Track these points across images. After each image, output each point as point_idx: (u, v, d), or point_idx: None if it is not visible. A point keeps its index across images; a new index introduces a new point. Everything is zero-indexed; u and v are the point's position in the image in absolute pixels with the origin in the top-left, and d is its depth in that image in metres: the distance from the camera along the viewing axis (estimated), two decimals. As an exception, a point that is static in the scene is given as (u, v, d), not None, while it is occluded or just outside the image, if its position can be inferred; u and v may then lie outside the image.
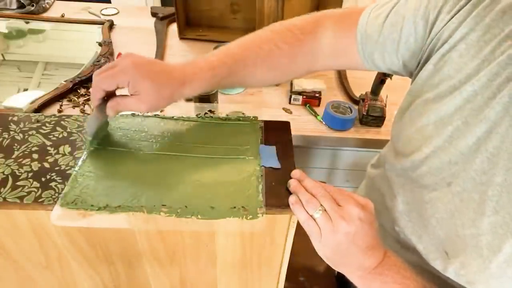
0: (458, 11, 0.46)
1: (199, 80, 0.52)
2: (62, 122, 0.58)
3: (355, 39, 0.56)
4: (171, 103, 0.51)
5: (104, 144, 0.54)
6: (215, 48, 1.02)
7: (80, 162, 0.50)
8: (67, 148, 0.53)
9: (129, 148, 0.54)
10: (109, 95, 0.51)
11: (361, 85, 1.03)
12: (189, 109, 0.64)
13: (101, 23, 1.31)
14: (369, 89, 0.94)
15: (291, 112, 0.97)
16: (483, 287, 0.45)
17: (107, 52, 1.12)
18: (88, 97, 0.96)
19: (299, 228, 0.46)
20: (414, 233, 0.53)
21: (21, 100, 0.91)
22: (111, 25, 1.32)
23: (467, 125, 0.44)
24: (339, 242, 0.43)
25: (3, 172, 0.48)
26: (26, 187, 0.46)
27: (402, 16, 0.52)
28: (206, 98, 0.84)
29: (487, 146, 0.43)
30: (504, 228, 0.41)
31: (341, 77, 1.11)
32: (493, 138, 0.42)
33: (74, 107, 0.93)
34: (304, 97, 0.99)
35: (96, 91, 0.49)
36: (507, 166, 0.41)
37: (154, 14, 1.41)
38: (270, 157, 0.53)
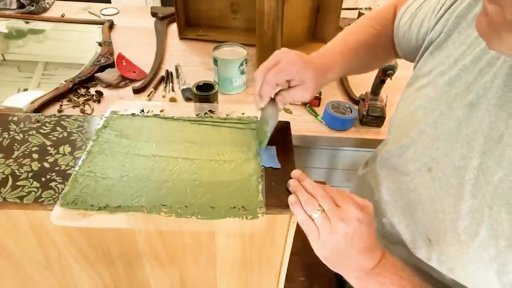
0: (454, 1, 0.49)
1: (337, 67, 0.59)
2: (62, 122, 0.58)
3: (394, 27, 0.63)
4: (319, 90, 0.56)
5: (105, 144, 0.54)
6: (215, 48, 1.02)
7: (80, 162, 0.50)
8: (67, 148, 0.53)
9: (129, 148, 0.54)
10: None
11: (361, 85, 1.03)
12: (189, 109, 0.64)
13: (101, 23, 1.31)
14: (369, 89, 0.94)
15: (291, 112, 0.97)
16: (461, 273, 0.45)
17: (107, 52, 1.12)
18: (88, 97, 0.96)
19: (299, 228, 0.46)
20: (401, 222, 0.53)
21: (21, 100, 0.91)
22: (111, 25, 1.32)
23: (451, 109, 0.46)
24: (337, 242, 0.43)
25: (3, 172, 0.48)
26: (26, 187, 0.46)
27: (424, 11, 0.56)
28: (206, 98, 0.84)
29: (467, 131, 0.44)
30: (480, 212, 0.42)
31: (341, 77, 1.11)
32: (472, 122, 0.43)
33: (74, 107, 0.93)
34: (304, 97, 0.99)
35: (270, 88, 0.51)
36: (483, 149, 0.42)
37: (154, 14, 1.41)
38: (270, 157, 0.53)
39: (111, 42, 1.19)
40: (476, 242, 0.42)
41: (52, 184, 0.47)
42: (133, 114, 0.61)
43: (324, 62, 0.57)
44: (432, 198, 0.47)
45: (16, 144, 0.53)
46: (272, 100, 0.53)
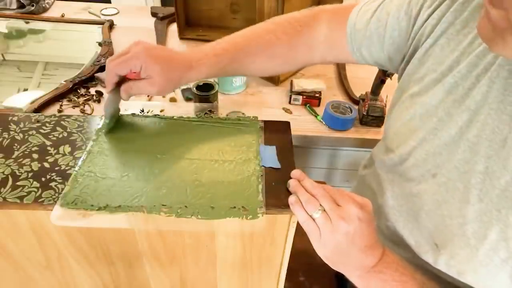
0: (438, 6, 0.48)
1: (204, 65, 0.57)
2: (62, 122, 0.58)
3: (345, 32, 0.60)
4: (178, 87, 0.56)
5: (105, 144, 0.54)
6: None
7: (80, 162, 0.50)
8: (67, 148, 0.53)
9: (129, 148, 0.54)
10: (122, 80, 0.54)
11: (361, 85, 1.03)
12: (189, 109, 0.64)
13: (101, 23, 1.31)
14: (369, 89, 0.94)
15: (291, 112, 0.97)
16: (472, 276, 0.45)
17: (107, 52, 1.12)
18: (88, 97, 0.96)
19: (299, 228, 0.46)
20: (405, 227, 0.53)
21: (21, 100, 0.91)
22: (111, 25, 1.32)
23: (450, 116, 0.46)
24: (338, 242, 0.43)
25: (3, 172, 0.48)
26: (26, 187, 0.46)
27: (387, 12, 0.55)
28: (206, 98, 0.84)
29: (468, 136, 0.44)
30: (488, 215, 0.42)
31: (341, 77, 1.11)
32: (473, 127, 0.43)
33: (74, 107, 0.93)
34: (304, 97, 0.99)
35: (111, 76, 0.53)
36: (488, 153, 0.42)
37: (154, 14, 1.41)
38: (270, 157, 0.53)
39: (111, 42, 1.19)
40: (485, 245, 0.42)
41: (52, 184, 0.47)
42: (133, 114, 0.61)
43: (186, 61, 0.55)
44: (438, 203, 0.47)
45: (16, 144, 0.53)
46: (119, 87, 0.54)
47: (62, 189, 0.46)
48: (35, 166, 0.50)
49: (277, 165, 0.52)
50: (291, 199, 0.46)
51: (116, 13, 1.44)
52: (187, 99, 0.98)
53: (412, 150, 0.50)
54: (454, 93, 0.46)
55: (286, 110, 0.98)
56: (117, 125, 0.58)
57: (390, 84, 0.88)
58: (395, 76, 0.84)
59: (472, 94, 0.44)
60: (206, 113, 0.63)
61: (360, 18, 0.58)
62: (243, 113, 0.65)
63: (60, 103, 0.94)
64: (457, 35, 0.46)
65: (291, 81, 1.02)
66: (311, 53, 0.64)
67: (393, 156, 0.55)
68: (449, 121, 0.46)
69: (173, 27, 1.33)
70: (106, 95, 0.97)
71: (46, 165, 0.50)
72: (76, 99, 0.95)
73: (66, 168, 0.50)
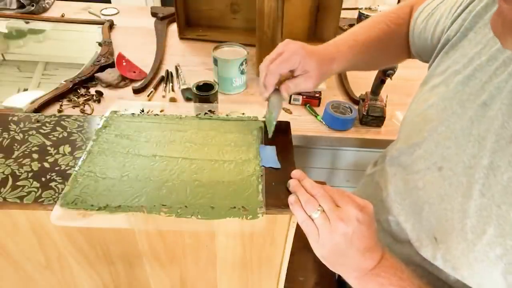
0: (470, 3, 0.49)
1: (343, 58, 0.60)
2: (62, 122, 0.58)
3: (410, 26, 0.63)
4: (325, 80, 0.58)
5: (105, 144, 0.54)
6: (215, 48, 1.02)
7: (80, 162, 0.50)
8: (67, 148, 0.53)
9: (129, 148, 0.54)
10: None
11: (361, 85, 1.03)
12: (189, 109, 0.64)
13: (101, 23, 1.31)
14: (369, 89, 0.94)
15: (291, 112, 0.97)
16: (467, 272, 0.45)
17: (107, 52, 1.12)
18: (88, 97, 0.96)
19: (299, 228, 0.46)
20: (407, 221, 0.53)
21: (21, 100, 0.91)
22: (111, 25, 1.32)
23: (464, 109, 0.46)
24: (336, 242, 0.43)
25: (3, 172, 0.48)
26: (26, 187, 0.46)
27: (440, 10, 0.56)
28: (206, 98, 0.84)
29: (479, 130, 0.44)
30: (488, 210, 0.42)
31: (341, 77, 1.11)
32: (484, 121, 0.43)
33: (74, 107, 0.93)
34: (304, 97, 0.99)
35: (273, 77, 0.54)
36: (494, 148, 0.42)
37: (154, 14, 1.41)
38: (270, 157, 0.53)
39: (111, 42, 1.19)
40: (483, 241, 0.42)
41: (52, 184, 0.47)
42: (133, 114, 0.61)
43: (330, 53, 0.58)
44: (441, 197, 0.47)
45: (16, 144, 0.53)
46: (277, 90, 0.55)
47: (62, 189, 0.47)
48: (35, 166, 0.50)
49: (277, 165, 0.52)
50: (291, 199, 0.46)
51: (116, 13, 1.44)
52: (187, 99, 0.98)
53: (423, 141, 0.51)
54: (471, 85, 0.46)
55: (286, 110, 0.98)
56: (118, 125, 0.58)
57: (390, 84, 0.88)
58: (395, 76, 0.85)
59: (488, 88, 0.43)
60: (206, 113, 0.63)
61: (422, 14, 0.60)
62: (243, 113, 0.65)
63: (60, 103, 0.94)
64: (484, 28, 0.47)
65: (291, 81, 1.02)
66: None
67: (403, 146, 0.55)
68: (462, 113, 0.46)
69: (173, 27, 1.33)
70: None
71: (46, 165, 0.50)
72: (76, 99, 0.95)
73: (66, 168, 0.50)
